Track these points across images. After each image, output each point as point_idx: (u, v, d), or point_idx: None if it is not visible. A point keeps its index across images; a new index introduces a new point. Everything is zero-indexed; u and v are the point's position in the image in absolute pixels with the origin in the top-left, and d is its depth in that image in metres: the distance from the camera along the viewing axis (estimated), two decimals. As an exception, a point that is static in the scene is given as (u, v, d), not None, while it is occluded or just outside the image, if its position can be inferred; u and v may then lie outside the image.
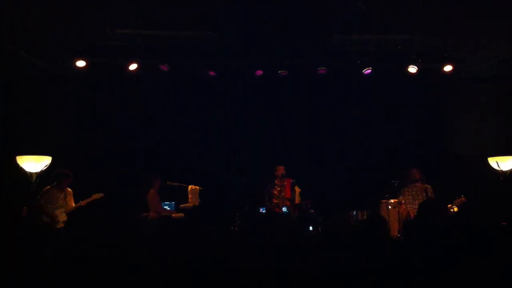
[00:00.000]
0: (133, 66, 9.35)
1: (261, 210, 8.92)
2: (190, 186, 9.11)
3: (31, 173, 8.01)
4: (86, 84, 9.81)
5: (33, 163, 7.97)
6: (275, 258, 3.93)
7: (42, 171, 8.08)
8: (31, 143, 8.48)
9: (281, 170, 9.12)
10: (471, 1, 7.57)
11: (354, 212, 8.96)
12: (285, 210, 8.81)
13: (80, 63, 9.12)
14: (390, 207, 8.75)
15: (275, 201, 9.04)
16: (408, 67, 9.48)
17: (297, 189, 9.15)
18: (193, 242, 4.49)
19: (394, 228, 8.41)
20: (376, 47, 9.33)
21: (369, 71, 9.59)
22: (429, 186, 8.54)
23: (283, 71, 9.64)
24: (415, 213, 8.21)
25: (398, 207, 8.69)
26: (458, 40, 8.95)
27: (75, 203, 8.23)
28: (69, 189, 8.26)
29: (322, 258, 3.90)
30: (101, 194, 8.29)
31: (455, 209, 7.99)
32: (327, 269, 3.70)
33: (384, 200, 8.89)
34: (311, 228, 8.26)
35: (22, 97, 8.92)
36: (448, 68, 9.42)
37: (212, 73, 9.68)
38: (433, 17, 8.17)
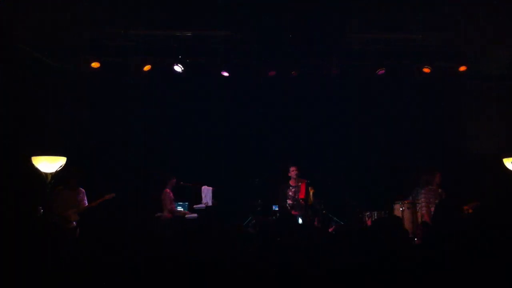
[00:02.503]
0: (147, 67, 9.40)
1: (274, 208, 8.92)
2: (203, 187, 9.13)
3: (46, 174, 8.07)
4: (100, 84, 9.86)
5: (48, 164, 8.02)
6: (288, 258, 3.93)
7: (57, 172, 8.14)
8: (46, 143, 8.54)
9: (294, 170, 9.12)
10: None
11: (369, 213, 8.94)
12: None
13: (95, 64, 9.19)
14: (404, 208, 8.70)
15: (289, 202, 9.04)
16: (421, 67, 9.42)
17: (311, 190, 9.14)
18: (206, 242, 4.49)
19: (409, 230, 8.36)
20: (389, 46, 9.28)
21: (383, 71, 9.54)
22: (443, 191, 8.50)
23: (295, 71, 9.63)
24: (430, 216, 8.18)
25: (412, 208, 8.64)
26: (472, 39, 8.88)
27: (88, 203, 8.28)
28: (82, 189, 8.31)
29: (335, 258, 3.89)
30: (113, 194, 8.32)
31: (470, 210, 7.92)
32: (340, 269, 3.69)
33: (398, 201, 8.84)
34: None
35: (37, 98, 8.98)
36: (462, 67, 9.35)
37: (225, 73, 9.69)
38: (447, 16, 8.13)
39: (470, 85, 10.04)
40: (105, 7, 7.90)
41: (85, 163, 8.73)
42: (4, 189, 7.60)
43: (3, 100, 8.23)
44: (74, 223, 8.05)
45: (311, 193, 9.10)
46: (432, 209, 8.28)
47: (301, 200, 8.96)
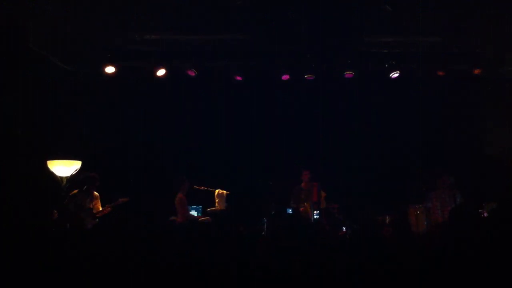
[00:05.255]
0: (161, 72, 9.46)
1: (288, 211, 8.92)
2: (217, 190, 9.14)
3: (61, 177, 8.15)
4: (115, 88, 9.93)
5: (64, 168, 8.11)
6: (303, 261, 3.92)
7: (72, 175, 8.21)
8: (61, 147, 8.62)
9: (307, 174, 9.14)
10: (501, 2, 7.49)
11: (381, 217, 8.90)
12: (316, 216, 8.78)
13: (109, 69, 9.26)
14: (418, 212, 8.66)
15: (301, 205, 9.03)
16: (436, 69, 9.37)
17: (323, 193, 9.14)
18: (219, 246, 4.49)
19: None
20: (404, 49, 9.23)
21: (397, 75, 9.49)
22: (458, 191, 8.42)
23: (309, 75, 9.63)
24: (444, 219, 8.11)
25: (426, 212, 8.59)
26: (486, 41, 8.82)
27: (102, 207, 8.32)
28: (96, 193, 8.34)
29: (351, 261, 3.87)
30: (127, 198, 8.36)
31: (485, 214, 7.85)
32: (355, 272, 3.68)
33: (412, 205, 8.79)
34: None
35: (53, 102, 9.07)
36: (477, 70, 9.29)
37: (238, 77, 9.72)
38: (462, 19, 8.09)
39: (485, 87, 9.97)
40: (120, 12, 7.97)
41: (99, 167, 8.77)
42: (20, 192, 7.67)
43: (20, 104, 8.32)
44: (88, 226, 8.08)
45: (323, 197, 9.10)
46: (446, 212, 8.24)
47: (314, 204, 8.95)
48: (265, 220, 8.51)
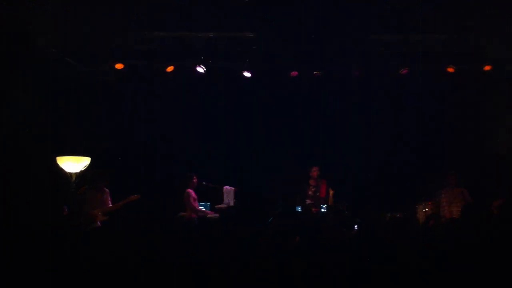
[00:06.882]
0: (169, 69, 9.50)
1: (298, 209, 8.93)
2: (225, 187, 9.16)
3: (70, 174, 8.18)
4: (125, 86, 9.98)
5: (73, 164, 8.13)
6: (311, 258, 3.93)
7: (81, 172, 8.24)
8: (70, 144, 8.67)
9: (316, 171, 9.15)
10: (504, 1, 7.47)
11: (389, 214, 8.88)
12: (323, 210, 8.80)
13: (119, 65, 9.31)
14: (426, 209, 8.65)
15: (309, 201, 9.04)
16: (445, 68, 9.33)
17: (331, 191, 9.14)
18: (228, 242, 4.51)
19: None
20: (412, 47, 9.19)
21: (406, 71, 9.46)
22: (465, 190, 8.41)
23: (318, 72, 9.61)
24: (451, 216, 8.10)
25: (435, 209, 8.58)
26: (495, 39, 8.77)
27: (112, 204, 8.33)
28: (107, 189, 8.35)
29: (360, 258, 3.88)
30: (138, 195, 8.36)
31: (496, 212, 7.81)
32: (362, 269, 3.68)
33: (421, 203, 8.78)
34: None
35: (62, 99, 9.12)
36: (487, 67, 9.24)
37: (247, 73, 9.73)
38: (471, 17, 8.06)
39: (494, 85, 9.90)
40: (128, 10, 8.00)
41: (108, 164, 8.81)
42: (29, 189, 7.72)
43: (31, 101, 8.38)
44: (99, 223, 8.09)
45: (331, 194, 9.10)
46: (454, 209, 8.23)
47: (321, 199, 8.96)
48: (272, 218, 8.52)
